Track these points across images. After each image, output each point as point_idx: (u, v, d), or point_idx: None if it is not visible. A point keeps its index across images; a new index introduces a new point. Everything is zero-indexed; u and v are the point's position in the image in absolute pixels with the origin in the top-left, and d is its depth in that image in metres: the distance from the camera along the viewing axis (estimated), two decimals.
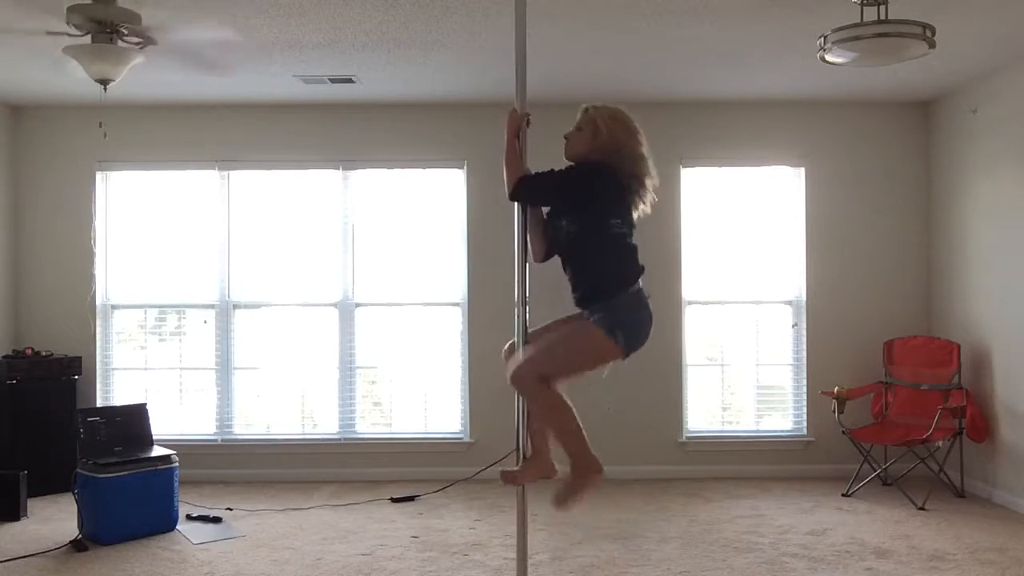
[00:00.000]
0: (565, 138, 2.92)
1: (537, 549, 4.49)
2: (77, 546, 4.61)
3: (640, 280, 2.86)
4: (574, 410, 2.82)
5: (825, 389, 5.96)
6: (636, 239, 2.89)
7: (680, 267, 6.30)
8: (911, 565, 4.30)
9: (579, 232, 2.83)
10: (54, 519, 5.19)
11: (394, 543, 4.73)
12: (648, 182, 2.87)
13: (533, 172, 2.83)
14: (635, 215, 2.89)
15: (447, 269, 6.37)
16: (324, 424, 6.44)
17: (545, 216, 2.94)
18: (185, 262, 6.40)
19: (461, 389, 6.36)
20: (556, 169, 2.85)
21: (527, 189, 2.81)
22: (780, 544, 4.66)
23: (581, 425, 2.80)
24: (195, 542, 4.75)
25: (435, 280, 6.38)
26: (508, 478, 2.84)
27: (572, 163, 2.90)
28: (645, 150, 2.87)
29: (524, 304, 2.86)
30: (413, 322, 6.39)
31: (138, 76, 5.10)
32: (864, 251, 6.35)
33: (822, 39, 3.95)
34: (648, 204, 2.90)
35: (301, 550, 4.61)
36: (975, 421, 5.54)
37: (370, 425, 6.47)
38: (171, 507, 4.96)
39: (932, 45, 3.86)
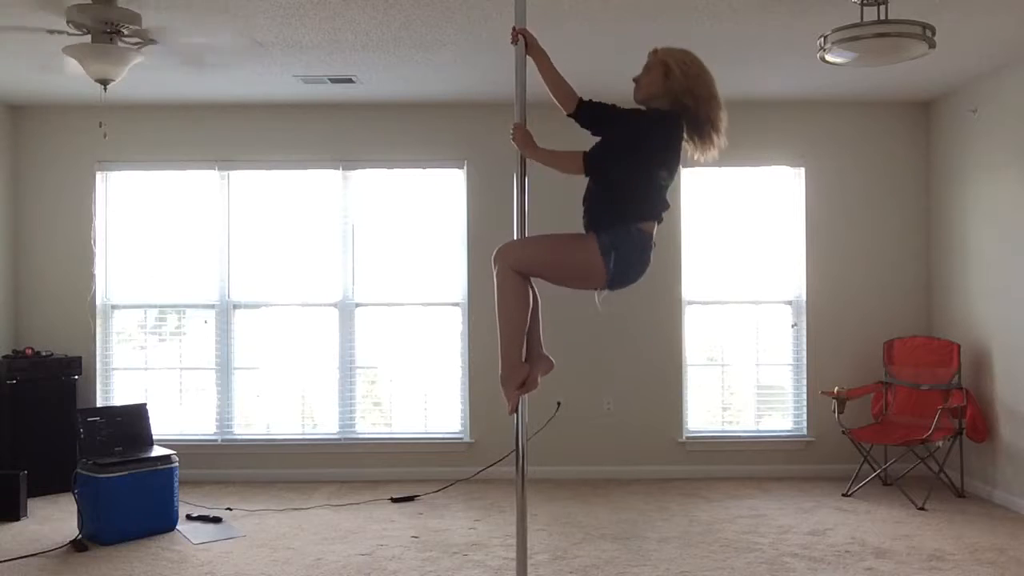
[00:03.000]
0: (634, 81, 2.88)
1: (537, 549, 4.49)
2: (77, 546, 4.61)
3: (654, 227, 2.83)
4: (528, 313, 2.80)
5: (825, 389, 5.96)
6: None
7: (680, 267, 6.30)
8: (911, 565, 4.30)
9: (627, 179, 2.78)
10: (54, 519, 5.19)
11: (394, 543, 4.73)
12: (721, 124, 2.83)
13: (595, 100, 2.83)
14: (706, 154, 2.85)
15: (447, 269, 6.37)
16: (324, 424, 6.44)
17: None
18: (185, 262, 6.40)
19: (461, 389, 6.36)
20: (622, 107, 2.83)
21: (590, 112, 2.81)
22: (780, 544, 4.66)
23: (525, 331, 2.80)
24: (195, 542, 4.76)
25: (435, 280, 6.38)
26: (515, 392, 2.83)
27: (642, 107, 2.85)
28: (717, 90, 2.82)
29: None
30: (413, 322, 6.39)
31: (138, 76, 5.10)
32: (864, 251, 6.35)
33: (822, 39, 3.95)
34: (719, 147, 2.85)
35: (301, 550, 4.61)
36: (975, 421, 5.54)
37: (370, 425, 6.47)
38: (171, 507, 4.97)
39: (932, 45, 3.86)
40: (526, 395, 2.85)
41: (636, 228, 2.77)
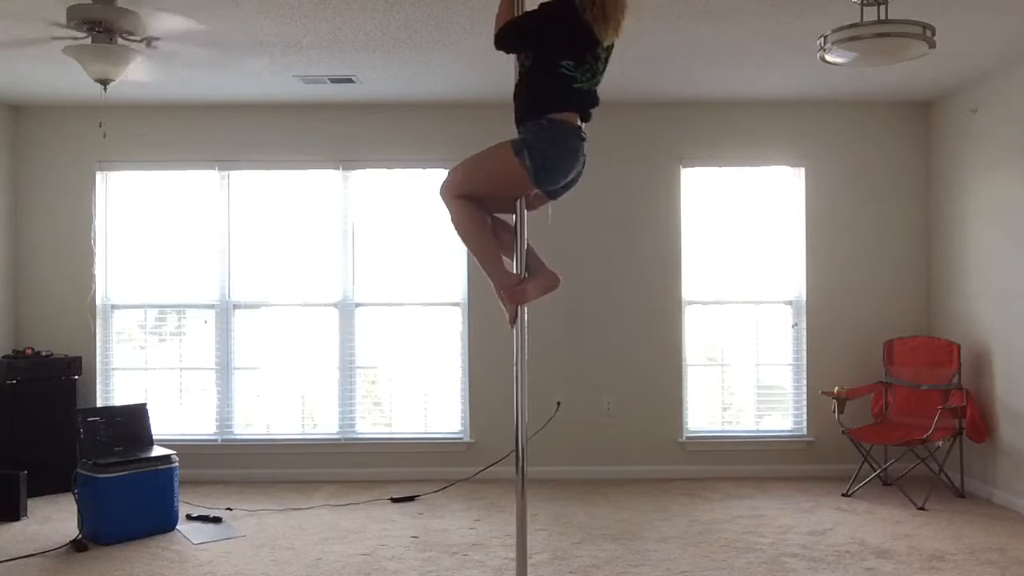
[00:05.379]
0: None
1: (537, 549, 4.50)
2: (77, 546, 4.61)
3: (576, 119, 2.77)
4: (487, 229, 2.86)
5: (825, 389, 5.96)
6: (596, 86, 2.78)
7: (680, 267, 6.29)
8: (911, 565, 4.30)
9: (531, 66, 2.77)
10: (54, 519, 5.19)
11: (394, 543, 4.73)
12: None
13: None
14: (601, 63, 2.77)
15: (447, 269, 6.37)
16: (324, 424, 6.44)
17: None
18: (185, 262, 6.40)
19: (461, 389, 6.36)
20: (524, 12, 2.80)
21: (504, 38, 2.78)
22: (780, 544, 4.66)
23: (495, 247, 2.85)
24: (195, 542, 4.76)
25: (435, 280, 6.38)
26: (515, 297, 2.85)
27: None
28: None
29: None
30: (413, 322, 6.39)
31: (138, 76, 5.10)
32: (864, 251, 6.35)
33: (822, 39, 3.95)
34: (620, 31, 2.75)
35: (301, 550, 4.61)
36: (975, 421, 5.54)
37: (370, 425, 6.47)
38: (171, 507, 4.97)
39: (932, 45, 3.86)
40: (517, 394, 2.84)
41: (547, 119, 2.73)
